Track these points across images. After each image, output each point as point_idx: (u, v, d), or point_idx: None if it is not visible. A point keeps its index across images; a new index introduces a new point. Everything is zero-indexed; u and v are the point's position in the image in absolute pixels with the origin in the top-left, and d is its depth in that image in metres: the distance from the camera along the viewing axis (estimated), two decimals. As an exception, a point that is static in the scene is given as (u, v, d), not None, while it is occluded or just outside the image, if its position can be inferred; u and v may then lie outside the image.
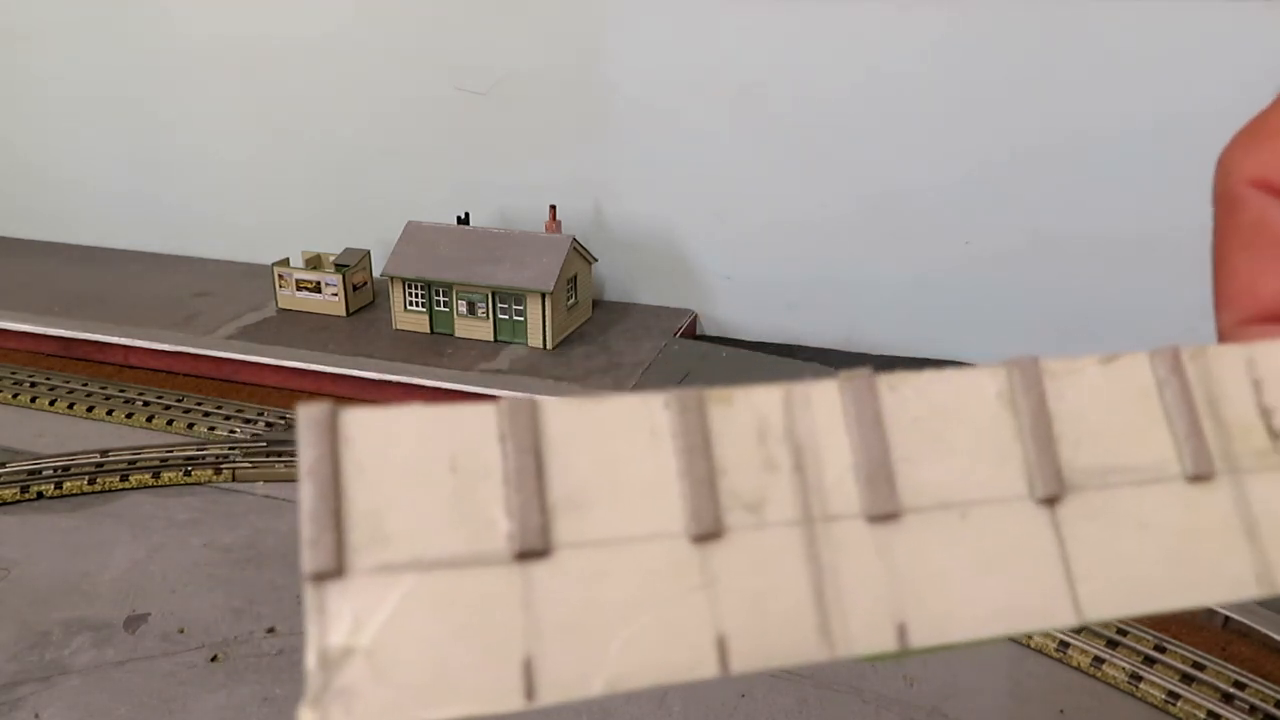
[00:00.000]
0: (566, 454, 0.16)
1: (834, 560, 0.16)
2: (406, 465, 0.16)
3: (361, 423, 0.16)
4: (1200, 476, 0.18)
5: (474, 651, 0.15)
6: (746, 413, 0.17)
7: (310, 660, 0.15)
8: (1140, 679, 0.70)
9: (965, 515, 0.17)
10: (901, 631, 0.16)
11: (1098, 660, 0.72)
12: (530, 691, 0.15)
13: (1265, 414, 0.19)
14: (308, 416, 0.16)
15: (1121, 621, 0.73)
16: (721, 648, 0.16)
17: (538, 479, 0.16)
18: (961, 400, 0.18)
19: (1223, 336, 0.24)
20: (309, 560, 0.15)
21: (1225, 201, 0.24)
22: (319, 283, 1.31)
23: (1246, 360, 0.19)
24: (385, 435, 0.16)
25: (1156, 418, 0.18)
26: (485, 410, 0.16)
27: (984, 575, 0.17)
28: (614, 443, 0.16)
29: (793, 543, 0.16)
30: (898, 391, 0.17)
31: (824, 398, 0.17)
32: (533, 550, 0.16)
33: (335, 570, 0.15)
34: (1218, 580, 0.17)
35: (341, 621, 0.15)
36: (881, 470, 0.17)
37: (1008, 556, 0.17)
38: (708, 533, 0.16)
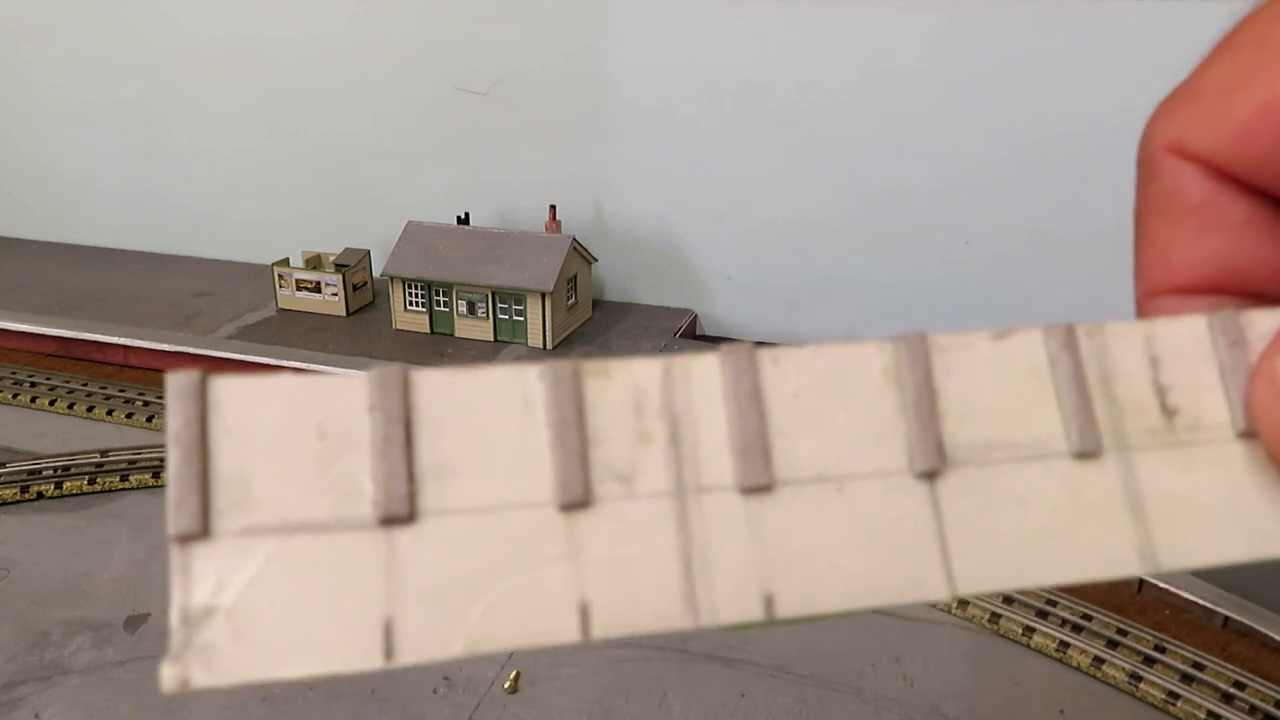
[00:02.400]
0: (437, 423, 0.16)
1: (704, 531, 0.16)
2: (274, 432, 0.16)
3: (231, 389, 0.16)
4: (1087, 454, 0.18)
5: (335, 613, 0.16)
6: (624, 385, 0.17)
7: (173, 618, 0.16)
8: (1140, 679, 0.70)
9: (841, 489, 0.17)
10: (769, 602, 0.16)
11: (1098, 660, 0.72)
12: (389, 652, 0.15)
13: (1160, 392, 0.18)
14: (175, 383, 0.16)
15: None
16: (584, 614, 0.16)
17: (405, 448, 0.16)
18: (845, 375, 0.18)
19: (1138, 308, 0.24)
20: (173, 522, 0.16)
21: (1143, 168, 0.24)
22: (319, 283, 1.31)
23: (1145, 337, 0.19)
24: (254, 402, 0.16)
25: (1047, 394, 0.18)
26: (356, 379, 0.17)
27: (857, 548, 0.17)
28: (486, 413, 0.17)
29: (663, 513, 0.16)
30: (779, 366, 0.17)
31: (704, 371, 0.17)
32: (397, 517, 0.16)
33: (200, 532, 0.15)
34: (1097, 557, 0.17)
35: (205, 582, 0.15)
36: (757, 443, 0.17)
37: (882, 530, 0.17)
38: (576, 502, 0.16)
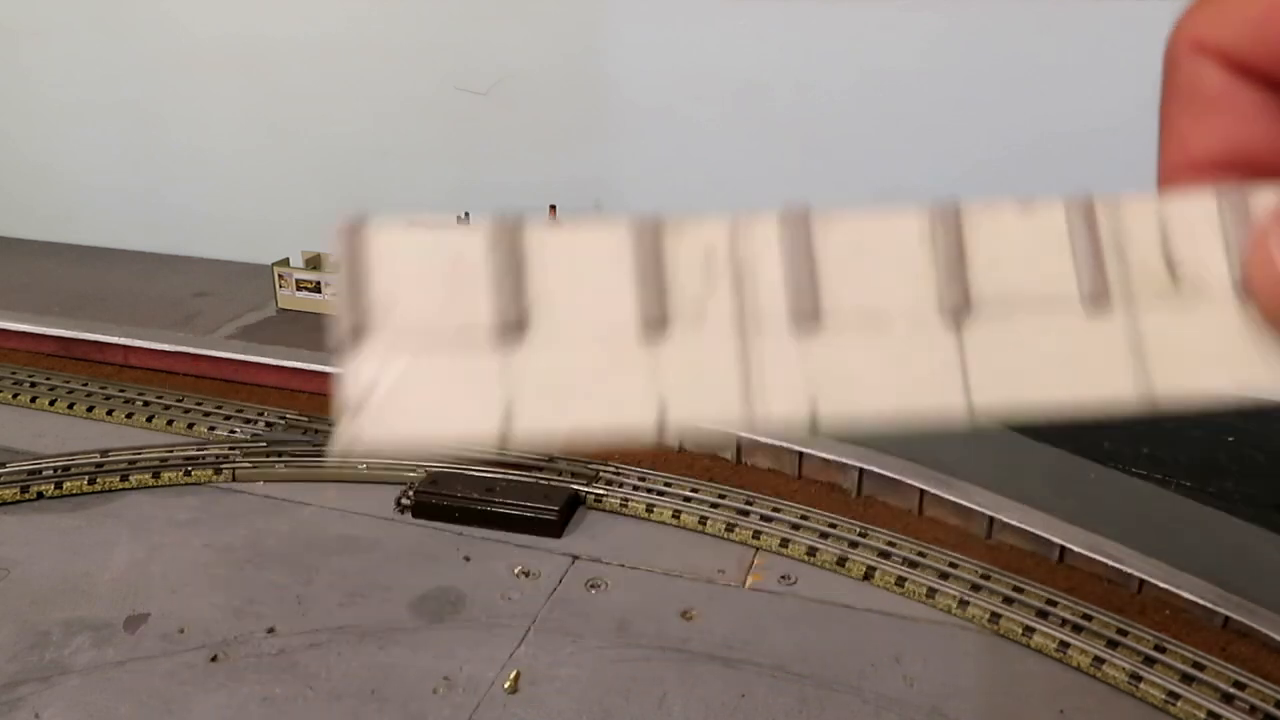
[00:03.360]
0: (543, 262, 0.20)
1: (760, 355, 0.20)
2: (414, 266, 0.20)
3: (380, 234, 0.20)
4: (1097, 304, 0.21)
5: (464, 399, 0.20)
6: (696, 237, 0.21)
7: (341, 402, 0.20)
8: (1140, 679, 0.70)
9: (878, 325, 0.21)
10: (813, 408, 0.20)
11: (1098, 660, 0.72)
12: (507, 428, 0.19)
13: (1168, 256, 0.21)
14: (340, 225, 0.21)
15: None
16: (661, 413, 0.20)
17: (517, 279, 0.20)
18: (887, 232, 0.21)
19: (1159, 186, 0.25)
20: (338, 332, 0.20)
21: (1168, 64, 0.25)
22: (319, 283, 1.31)
23: (1158, 208, 0.21)
24: (398, 244, 0.20)
25: (1065, 254, 0.21)
26: (479, 228, 0.20)
27: (890, 374, 0.20)
28: (582, 256, 0.20)
29: (727, 338, 0.20)
30: (831, 224, 0.21)
31: (765, 228, 0.21)
32: (511, 330, 0.20)
33: (356, 338, 0.20)
34: (1099, 386, 0.20)
35: (361, 375, 0.20)
36: (807, 284, 0.20)
37: (913, 360, 0.20)
38: (656, 326, 0.20)
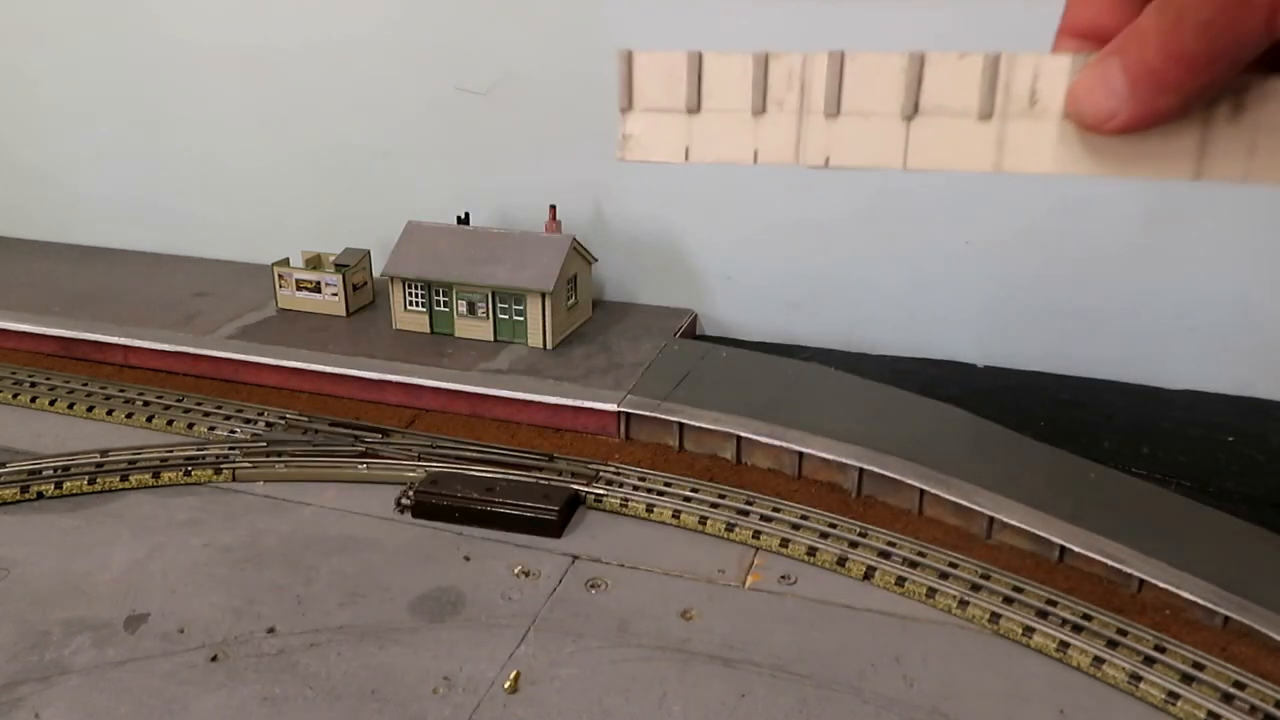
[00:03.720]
0: (710, 72, 0.39)
1: (807, 130, 0.39)
2: (651, 71, 0.40)
3: (638, 53, 0.40)
4: (984, 119, 0.37)
5: (669, 142, 0.41)
6: (784, 64, 0.38)
7: (619, 135, 0.41)
8: (1140, 679, 0.70)
9: (868, 118, 0.38)
10: (827, 156, 0.39)
11: (1098, 660, 0.72)
12: (688, 153, 0.41)
13: (1033, 94, 0.37)
14: (619, 51, 0.40)
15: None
16: (755, 151, 0.39)
17: (697, 85, 0.40)
18: (882, 65, 0.38)
19: (1054, 42, 0.42)
20: (619, 102, 0.41)
21: None
22: (319, 283, 1.31)
23: (1037, 64, 0.36)
24: (644, 60, 0.40)
25: (974, 88, 0.37)
26: (680, 55, 0.39)
27: (870, 142, 0.39)
28: (728, 69, 0.39)
29: (791, 121, 0.39)
30: (853, 58, 0.38)
31: (820, 59, 0.38)
32: (692, 109, 0.40)
33: (626, 107, 0.41)
34: (973, 164, 0.37)
35: (627, 125, 0.41)
36: (834, 95, 0.38)
37: (881, 138, 0.39)
38: (759, 112, 0.39)
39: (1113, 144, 0.38)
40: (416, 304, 1.24)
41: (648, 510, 0.93)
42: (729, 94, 0.40)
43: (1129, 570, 0.79)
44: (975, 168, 0.37)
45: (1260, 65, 0.37)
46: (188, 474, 0.99)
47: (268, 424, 1.10)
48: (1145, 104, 0.37)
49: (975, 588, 0.80)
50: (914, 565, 0.83)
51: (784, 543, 0.87)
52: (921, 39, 1.16)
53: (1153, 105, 0.37)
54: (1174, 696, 0.69)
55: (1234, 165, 0.40)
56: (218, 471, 1.00)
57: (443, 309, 1.23)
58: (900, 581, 0.82)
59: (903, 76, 0.38)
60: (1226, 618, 0.75)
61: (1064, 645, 0.74)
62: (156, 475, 0.99)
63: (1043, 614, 0.77)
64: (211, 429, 1.09)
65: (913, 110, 0.38)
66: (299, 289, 1.32)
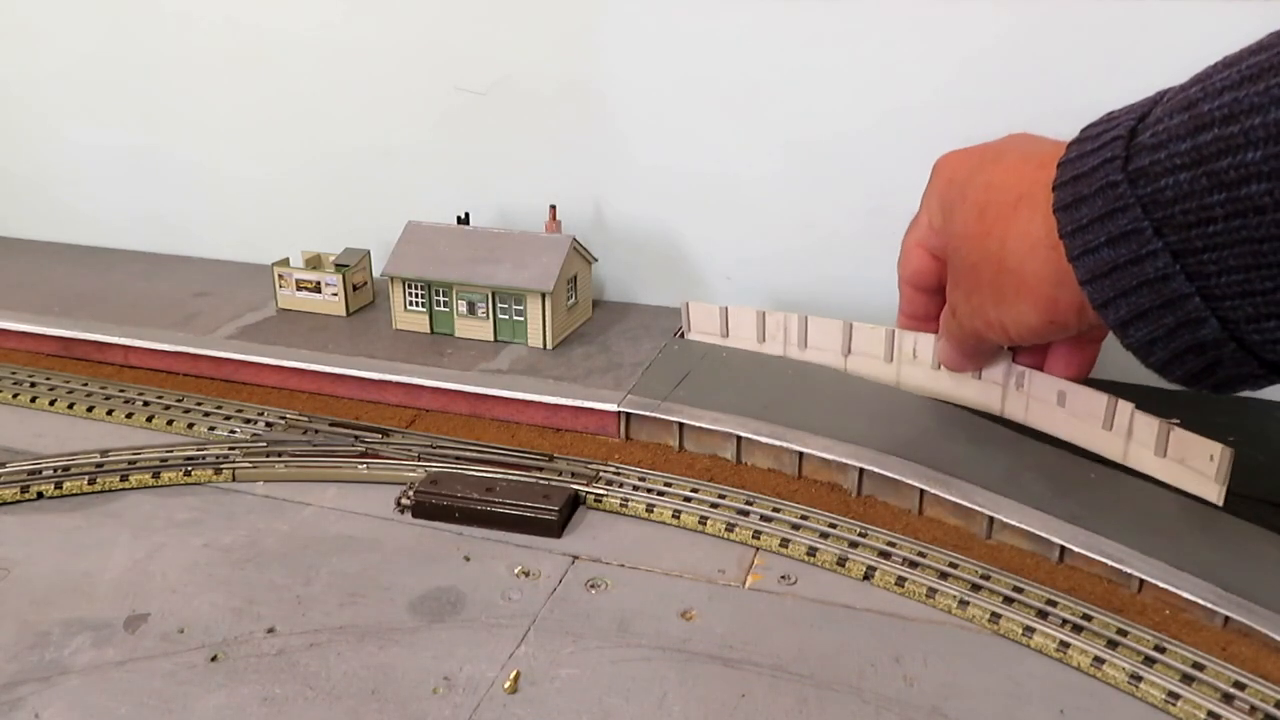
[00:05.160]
0: (735, 315, 1.04)
1: (788, 353, 0.99)
2: (702, 314, 1.08)
3: (694, 307, 1.08)
4: (889, 363, 0.90)
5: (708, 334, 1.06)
6: (776, 317, 0.98)
7: (685, 330, 1.09)
8: (1140, 679, 0.70)
9: (822, 351, 0.98)
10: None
11: (1098, 660, 0.72)
12: (725, 331, 1.05)
13: (914, 350, 0.89)
14: (684, 304, 1.09)
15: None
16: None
17: (725, 320, 1.06)
18: (827, 325, 0.97)
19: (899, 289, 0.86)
20: (683, 327, 1.11)
21: (902, 250, 0.85)
22: (319, 283, 1.31)
23: (916, 337, 0.89)
24: (697, 310, 1.09)
25: (881, 349, 0.92)
26: (718, 311, 1.05)
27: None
28: (741, 315, 1.03)
29: (778, 348, 1.01)
30: (815, 321, 0.95)
31: (794, 319, 0.98)
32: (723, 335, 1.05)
33: (686, 331, 1.10)
34: (881, 374, 0.94)
35: (689, 336, 1.10)
36: (803, 337, 0.97)
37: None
38: (760, 341, 0.99)
39: (956, 375, 0.87)
40: (416, 304, 1.24)
41: (648, 510, 0.93)
42: (744, 329, 0.98)
43: (1129, 570, 0.79)
44: (883, 382, 0.90)
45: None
46: (188, 474, 0.99)
47: (268, 424, 1.10)
48: (957, 366, 0.87)
49: (975, 588, 0.80)
50: (914, 565, 0.83)
51: (784, 543, 0.87)
52: (923, 40, 1.16)
53: (960, 367, 0.87)
54: (1174, 696, 0.69)
55: (1019, 413, 0.86)
56: (218, 471, 1.00)
57: (443, 309, 1.23)
58: (900, 581, 0.82)
59: (841, 332, 0.85)
60: (1227, 618, 0.75)
61: (1064, 645, 0.74)
62: (156, 475, 0.99)
63: (1043, 614, 0.77)
64: (211, 429, 1.09)
65: (847, 351, 0.88)
66: (299, 289, 1.32)
